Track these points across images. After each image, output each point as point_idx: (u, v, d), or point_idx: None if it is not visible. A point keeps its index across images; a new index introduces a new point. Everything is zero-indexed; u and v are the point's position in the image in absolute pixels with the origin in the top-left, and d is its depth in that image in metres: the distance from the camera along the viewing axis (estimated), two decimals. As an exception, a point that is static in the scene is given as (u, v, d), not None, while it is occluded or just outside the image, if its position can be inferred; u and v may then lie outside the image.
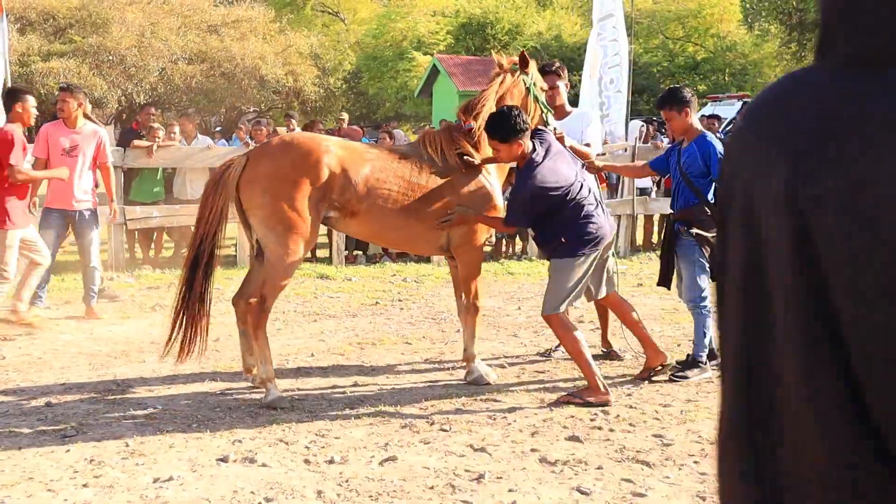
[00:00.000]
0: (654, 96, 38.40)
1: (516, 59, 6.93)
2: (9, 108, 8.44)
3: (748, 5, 39.83)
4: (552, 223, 6.15)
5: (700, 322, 6.82)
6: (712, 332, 6.87)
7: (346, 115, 17.62)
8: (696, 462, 5.01)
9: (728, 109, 25.54)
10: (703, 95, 36.24)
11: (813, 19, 29.43)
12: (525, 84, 6.85)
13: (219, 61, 33.72)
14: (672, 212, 6.89)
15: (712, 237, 6.68)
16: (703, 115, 19.38)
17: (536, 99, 6.87)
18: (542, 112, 6.87)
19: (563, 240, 6.12)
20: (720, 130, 16.14)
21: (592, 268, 6.27)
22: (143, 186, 12.21)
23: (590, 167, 7.05)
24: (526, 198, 6.02)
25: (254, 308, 6.21)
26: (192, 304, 6.22)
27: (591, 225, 6.16)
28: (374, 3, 50.74)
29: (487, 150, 6.52)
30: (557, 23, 41.56)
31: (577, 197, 6.12)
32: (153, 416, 5.78)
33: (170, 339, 6.21)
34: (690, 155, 6.72)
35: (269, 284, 6.19)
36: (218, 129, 17.42)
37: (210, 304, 6.31)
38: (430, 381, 6.72)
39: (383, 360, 7.33)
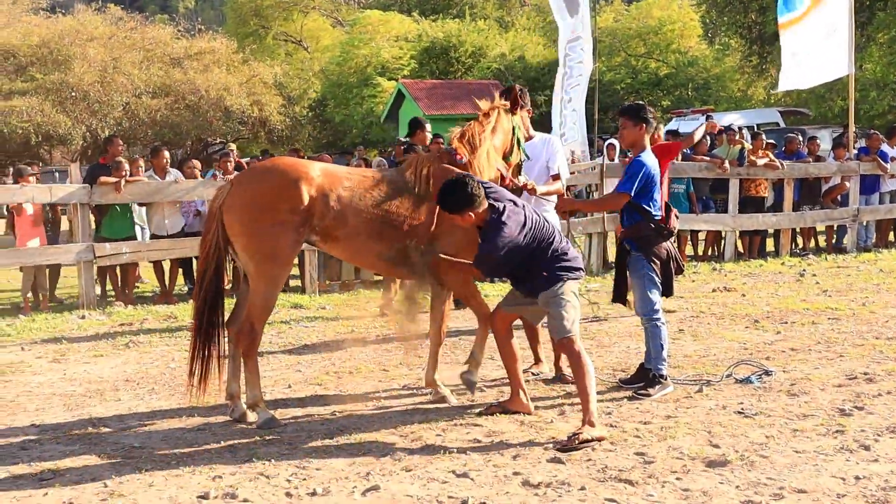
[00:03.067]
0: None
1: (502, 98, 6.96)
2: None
3: (708, 20, 40.21)
4: (527, 265, 6.08)
5: (655, 335, 6.93)
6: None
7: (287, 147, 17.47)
8: (678, 479, 5.02)
9: (692, 124, 25.70)
10: (668, 110, 36.57)
11: (773, 32, 29.85)
12: (512, 124, 6.91)
13: (183, 94, 33.67)
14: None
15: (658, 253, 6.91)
16: (667, 131, 19.54)
17: (518, 142, 6.93)
18: (521, 156, 6.95)
19: (544, 274, 6.05)
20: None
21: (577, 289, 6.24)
22: (115, 223, 12.15)
23: (561, 205, 7.15)
24: (498, 256, 5.92)
25: (244, 333, 6.24)
26: (200, 338, 6.31)
27: (567, 258, 6.12)
28: (337, 31, 50.86)
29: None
30: (520, 44, 41.82)
31: (544, 234, 6.08)
32: (131, 455, 5.72)
33: (190, 372, 6.31)
34: (625, 172, 7.01)
35: (255, 310, 6.24)
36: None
37: (220, 337, 6.37)
38: (410, 408, 6.69)
39: (361, 389, 7.30)
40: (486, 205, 5.93)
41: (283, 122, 37.09)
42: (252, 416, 6.38)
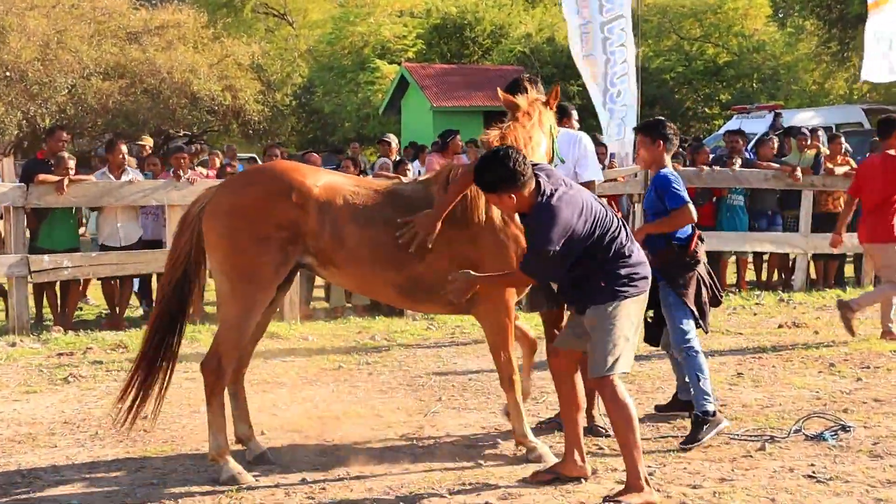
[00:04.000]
0: (668, 108, 38.82)
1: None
2: None
3: (778, -2, 40.27)
4: (582, 267, 5.88)
5: (691, 366, 7.11)
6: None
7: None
8: (734, 555, 5.01)
9: (757, 123, 25.69)
10: (728, 106, 36.63)
11: (857, 13, 29.84)
12: (551, 121, 6.98)
13: (141, 76, 33.77)
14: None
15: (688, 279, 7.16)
16: (726, 130, 19.53)
17: (554, 142, 6.97)
18: (556, 159, 6.99)
19: (601, 283, 5.84)
20: (746, 148, 16.27)
21: (641, 314, 6.10)
22: (55, 231, 12.16)
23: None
24: (555, 250, 5.65)
25: (207, 368, 6.31)
26: (148, 364, 6.44)
27: (631, 261, 5.90)
28: (329, 3, 50.98)
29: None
30: (550, 23, 41.82)
31: (606, 225, 5.84)
32: (68, 515, 5.72)
33: (121, 398, 6.46)
34: (648, 192, 7.37)
35: (224, 343, 6.32)
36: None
37: (172, 366, 6.52)
38: (408, 464, 6.68)
39: (350, 438, 7.29)
40: (532, 186, 5.74)
41: (261, 113, 37.14)
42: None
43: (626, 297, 5.84)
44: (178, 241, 6.51)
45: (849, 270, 15.84)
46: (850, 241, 14.95)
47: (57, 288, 12.42)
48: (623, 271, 5.86)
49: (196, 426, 7.57)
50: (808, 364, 9.61)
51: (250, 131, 38.31)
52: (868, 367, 9.36)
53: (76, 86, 32.81)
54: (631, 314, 5.88)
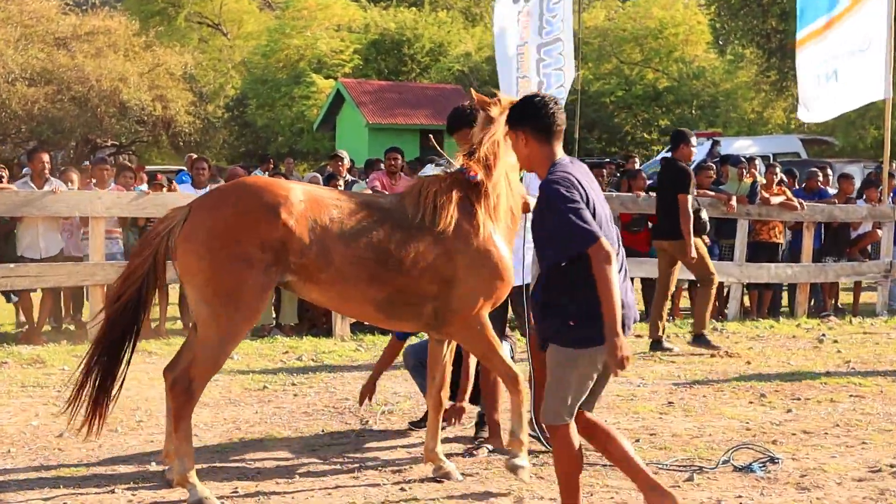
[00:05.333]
0: (607, 132, 39.19)
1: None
2: None
3: (719, 25, 40.82)
4: (559, 283, 5.35)
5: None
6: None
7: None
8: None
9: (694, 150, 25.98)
10: (666, 132, 37.02)
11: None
12: None
13: (68, 82, 33.46)
14: None
15: None
16: (662, 157, 19.74)
17: None
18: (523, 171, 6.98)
19: (570, 322, 5.29)
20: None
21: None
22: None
23: None
24: (576, 201, 5.18)
25: (178, 389, 6.18)
26: (93, 379, 6.36)
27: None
28: (264, 14, 50.93)
29: (499, 206, 6.52)
30: (489, 42, 42.04)
31: (607, 235, 5.28)
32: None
33: (68, 407, 6.42)
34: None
35: (200, 367, 6.19)
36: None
37: (118, 384, 6.42)
38: (330, 487, 6.65)
39: (273, 461, 7.24)
40: (552, 149, 5.51)
41: (192, 125, 36.96)
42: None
43: (591, 349, 5.28)
44: (136, 259, 6.34)
45: (784, 301, 16.06)
46: (785, 272, 15.21)
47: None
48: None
49: (112, 445, 7.48)
50: (740, 394, 9.70)
51: (181, 143, 38.11)
52: (798, 399, 9.48)
53: (0, 91, 32.39)
54: (594, 364, 5.36)
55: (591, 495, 6.55)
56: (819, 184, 16.41)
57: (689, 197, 11.67)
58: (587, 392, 5.41)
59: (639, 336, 12.27)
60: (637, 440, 7.83)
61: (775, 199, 14.78)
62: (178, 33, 47.00)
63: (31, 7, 34.24)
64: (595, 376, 5.39)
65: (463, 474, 6.87)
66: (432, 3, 46.52)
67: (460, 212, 6.40)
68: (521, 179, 6.95)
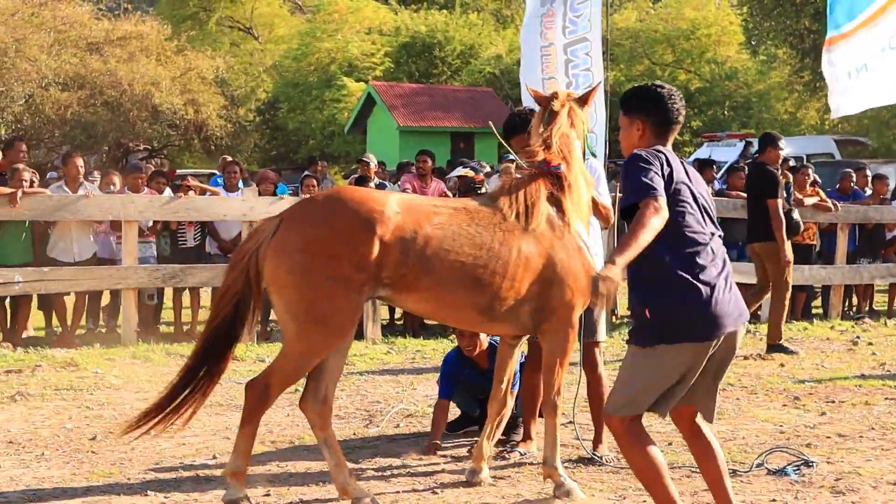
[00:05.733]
0: (638, 134, 38.99)
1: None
2: None
3: (751, 26, 40.62)
4: (639, 274, 5.17)
5: None
6: None
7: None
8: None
9: (728, 152, 25.88)
10: (699, 133, 36.89)
11: (829, 43, 30.17)
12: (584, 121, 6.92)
13: (101, 87, 33.66)
14: None
15: None
16: (695, 158, 19.68)
17: (586, 140, 6.98)
18: (586, 154, 6.98)
19: (646, 313, 5.11)
20: (717, 178, 16.41)
21: (697, 371, 5.15)
22: (7, 245, 12.09)
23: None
24: (646, 167, 5.07)
25: (254, 392, 6.07)
26: (190, 383, 6.25)
27: (700, 290, 5.03)
28: (296, 18, 51.08)
29: (581, 200, 6.52)
30: (520, 44, 42.07)
31: (697, 221, 5.17)
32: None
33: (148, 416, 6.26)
34: None
35: (278, 376, 6.09)
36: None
37: (201, 399, 6.32)
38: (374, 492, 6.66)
39: (304, 465, 7.26)
40: (662, 136, 5.39)
41: (224, 128, 37.09)
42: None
43: (666, 346, 5.05)
44: (229, 276, 6.19)
45: (817, 304, 15.97)
46: (819, 274, 15.11)
47: (7, 304, 12.35)
48: (688, 299, 5.03)
49: (145, 448, 7.52)
50: (773, 397, 9.66)
51: (212, 146, 38.24)
52: (833, 402, 9.42)
53: (34, 95, 32.64)
54: (673, 364, 5.10)
55: (624, 499, 6.54)
56: (853, 185, 16.30)
57: (780, 200, 11.67)
58: (665, 391, 5.10)
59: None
60: (670, 443, 7.81)
61: (809, 200, 14.69)
62: (209, 37, 47.20)
63: (64, 12, 34.43)
64: (677, 376, 5.07)
65: (495, 478, 6.87)
66: (463, 5, 46.53)
67: (550, 208, 6.38)
68: None
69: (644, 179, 4.96)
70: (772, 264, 11.90)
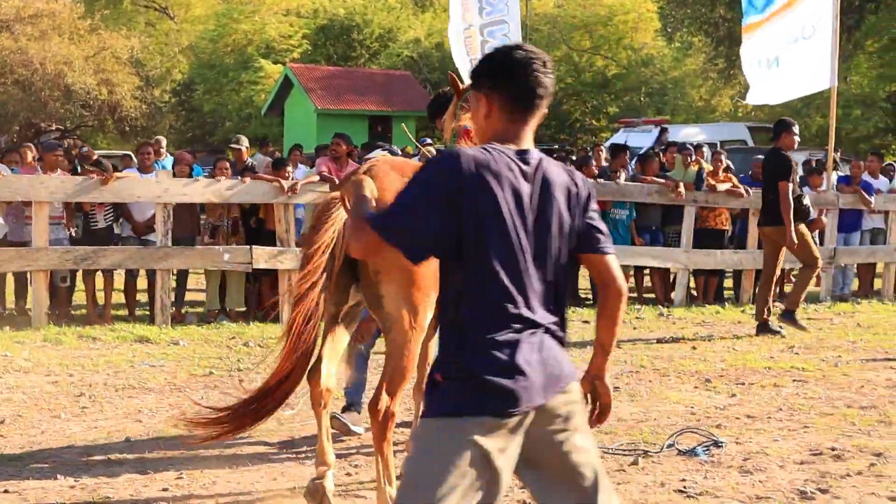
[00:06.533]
0: (555, 119, 39.26)
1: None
2: None
3: (667, 13, 41.06)
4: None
5: None
6: None
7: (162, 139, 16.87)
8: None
9: (643, 137, 26.15)
10: (615, 119, 37.22)
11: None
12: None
13: (11, 66, 33.06)
14: None
15: None
16: (612, 145, 19.87)
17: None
18: None
19: (436, 374, 3.61)
20: (631, 163, 16.58)
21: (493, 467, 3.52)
22: None
23: None
24: (419, 193, 3.58)
25: (378, 410, 5.59)
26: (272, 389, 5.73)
27: (502, 346, 3.55)
28: (212, -2, 50.44)
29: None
30: (439, 28, 42.07)
31: (497, 245, 3.56)
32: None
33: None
34: None
35: (398, 376, 5.61)
36: None
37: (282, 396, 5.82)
38: (277, 473, 6.65)
39: (218, 447, 7.22)
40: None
41: (139, 109, 36.62)
42: None
43: (455, 420, 3.50)
44: (316, 263, 5.48)
45: (728, 287, 16.21)
46: (731, 259, 15.34)
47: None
48: (484, 356, 3.54)
49: (55, 432, 7.44)
50: (685, 379, 9.79)
51: (126, 128, 37.77)
52: (743, 384, 9.58)
53: (-60, 74, 31.96)
54: (458, 451, 3.47)
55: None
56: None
57: (790, 184, 11.88)
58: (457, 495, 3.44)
59: (586, 322, 12.32)
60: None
61: (721, 186, 14.91)
62: (124, 17, 46.56)
63: (-28, -11, 33.79)
64: (473, 480, 3.47)
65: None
66: (382, -12, 46.42)
67: None
68: None
69: (398, 210, 3.58)
70: (787, 246, 12.23)
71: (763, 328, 12.31)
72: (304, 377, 5.82)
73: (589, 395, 3.89)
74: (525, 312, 3.56)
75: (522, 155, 3.65)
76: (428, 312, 5.61)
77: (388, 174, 5.53)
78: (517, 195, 3.56)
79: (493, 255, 3.52)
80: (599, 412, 3.92)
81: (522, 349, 3.52)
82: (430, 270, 4.98)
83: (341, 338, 5.99)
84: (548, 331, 3.63)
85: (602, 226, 3.80)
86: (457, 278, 3.58)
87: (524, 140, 3.73)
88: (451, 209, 3.48)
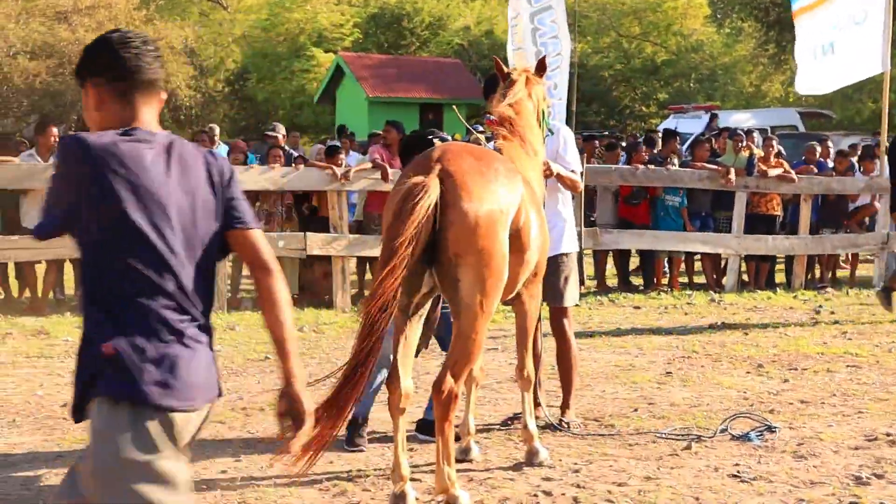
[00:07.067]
0: (605, 105, 39.11)
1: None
2: None
3: (717, -1, 40.72)
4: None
5: None
6: None
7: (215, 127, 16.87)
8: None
9: (693, 123, 25.97)
10: (665, 105, 36.98)
11: (793, 16, 30.36)
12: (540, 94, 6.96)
13: (70, 56, 33.32)
14: None
15: None
16: (664, 129, 19.74)
17: (543, 114, 6.99)
18: (545, 131, 7.01)
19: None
20: (682, 148, 16.48)
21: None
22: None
23: None
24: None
25: (444, 394, 5.52)
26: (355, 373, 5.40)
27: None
28: (265, -12, 50.60)
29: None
30: (489, 15, 42.02)
31: (124, 238, 3.36)
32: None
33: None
34: None
35: (464, 359, 5.62)
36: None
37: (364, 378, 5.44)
38: (332, 458, 6.68)
39: (275, 430, 7.25)
40: None
41: (193, 99, 36.90)
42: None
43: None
44: (402, 250, 5.26)
45: (780, 273, 16.08)
46: (783, 244, 15.22)
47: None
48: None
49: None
50: (737, 364, 9.73)
51: (181, 117, 38.03)
52: (795, 369, 9.51)
53: (1, 64, 32.32)
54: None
55: (591, 463, 6.58)
56: (817, 156, 16.39)
57: None
58: None
59: (637, 308, 12.29)
60: (635, 409, 7.87)
61: (773, 172, 14.78)
62: (178, 7, 46.77)
63: (31, -19, 34.11)
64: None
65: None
66: (432, -24, 46.37)
67: None
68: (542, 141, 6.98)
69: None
70: None
71: (886, 293, 12.04)
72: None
73: (286, 413, 3.56)
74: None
75: (147, 136, 3.46)
76: (497, 299, 5.62)
77: (461, 156, 5.62)
78: (148, 178, 3.33)
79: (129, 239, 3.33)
80: (297, 426, 3.56)
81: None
82: (504, 258, 5.42)
83: (412, 338, 5.84)
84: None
85: (246, 203, 3.57)
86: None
87: (145, 122, 3.55)
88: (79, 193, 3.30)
